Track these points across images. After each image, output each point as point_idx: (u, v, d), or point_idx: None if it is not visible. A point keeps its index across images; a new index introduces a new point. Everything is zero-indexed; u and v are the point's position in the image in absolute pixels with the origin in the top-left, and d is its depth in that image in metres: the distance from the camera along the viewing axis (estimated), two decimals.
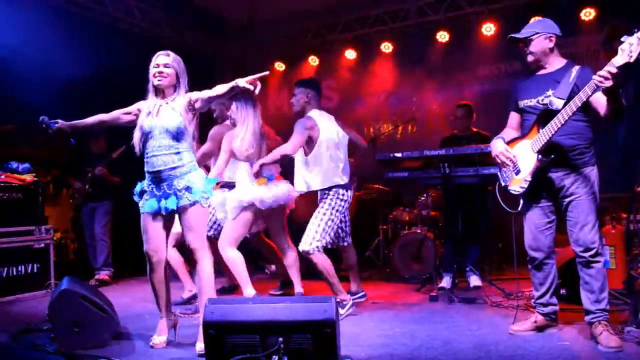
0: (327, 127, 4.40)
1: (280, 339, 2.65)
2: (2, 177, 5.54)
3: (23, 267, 5.49)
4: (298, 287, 4.66)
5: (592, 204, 3.30)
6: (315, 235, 4.23)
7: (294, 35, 8.78)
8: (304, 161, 4.42)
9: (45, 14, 6.12)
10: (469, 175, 4.67)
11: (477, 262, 5.42)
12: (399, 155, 4.79)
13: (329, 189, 4.37)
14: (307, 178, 4.42)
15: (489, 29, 7.39)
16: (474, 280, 5.21)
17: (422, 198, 6.31)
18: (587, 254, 3.28)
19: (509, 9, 7.32)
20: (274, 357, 2.63)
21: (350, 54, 8.48)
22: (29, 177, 5.73)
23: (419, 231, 5.93)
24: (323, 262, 4.23)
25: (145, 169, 3.42)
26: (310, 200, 6.82)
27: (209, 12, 8.17)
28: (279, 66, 8.98)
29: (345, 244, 4.73)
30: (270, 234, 4.92)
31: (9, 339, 3.73)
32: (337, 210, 4.35)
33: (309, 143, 4.34)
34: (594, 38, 6.96)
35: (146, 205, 3.41)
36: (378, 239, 6.66)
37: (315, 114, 4.41)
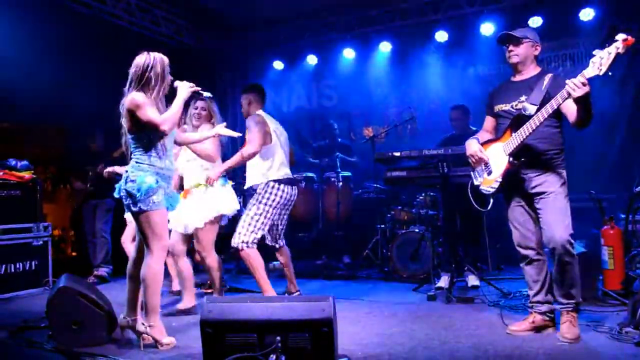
0: (272, 123, 4.52)
1: (278, 337, 2.65)
2: (1, 174, 5.52)
3: (21, 264, 5.48)
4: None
5: (561, 202, 3.35)
6: (242, 230, 4.28)
7: (293, 34, 8.77)
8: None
9: (44, 11, 6.11)
10: (468, 175, 4.65)
11: (475, 262, 5.42)
12: (397, 154, 4.79)
13: (264, 183, 4.40)
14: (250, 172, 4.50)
15: (488, 28, 7.37)
16: (472, 280, 5.20)
17: (420, 197, 6.30)
18: (558, 251, 3.31)
19: (508, 9, 7.31)
20: (271, 356, 2.63)
21: (349, 53, 8.45)
22: (27, 175, 5.71)
23: (417, 230, 5.91)
24: (251, 259, 4.25)
25: None
26: (310, 198, 6.84)
27: (209, 10, 8.14)
28: (278, 65, 8.96)
29: (277, 245, 4.67)
30: None
31: (6, 336, 3.73)
32: (269, 205, 4.35)
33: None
34: (593, 39, 6.96)
35: None
36: (376, 238, 6.64)
37: (260, 112, 4.54)
